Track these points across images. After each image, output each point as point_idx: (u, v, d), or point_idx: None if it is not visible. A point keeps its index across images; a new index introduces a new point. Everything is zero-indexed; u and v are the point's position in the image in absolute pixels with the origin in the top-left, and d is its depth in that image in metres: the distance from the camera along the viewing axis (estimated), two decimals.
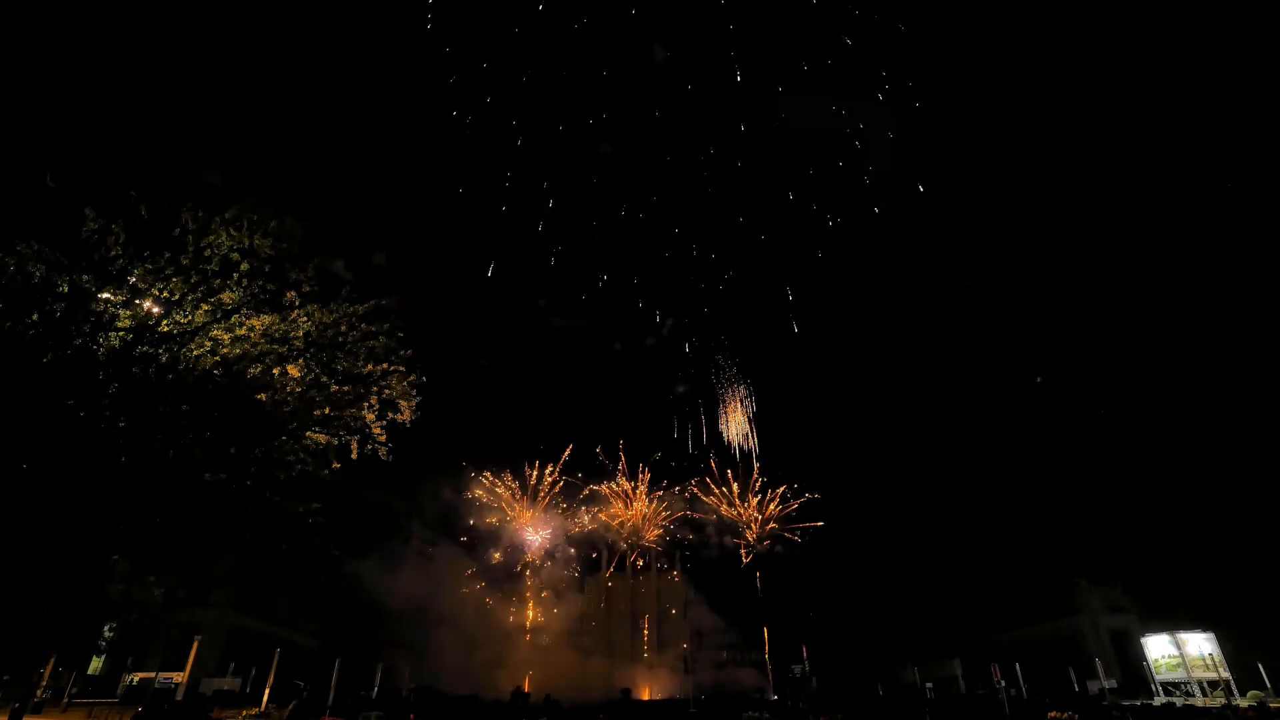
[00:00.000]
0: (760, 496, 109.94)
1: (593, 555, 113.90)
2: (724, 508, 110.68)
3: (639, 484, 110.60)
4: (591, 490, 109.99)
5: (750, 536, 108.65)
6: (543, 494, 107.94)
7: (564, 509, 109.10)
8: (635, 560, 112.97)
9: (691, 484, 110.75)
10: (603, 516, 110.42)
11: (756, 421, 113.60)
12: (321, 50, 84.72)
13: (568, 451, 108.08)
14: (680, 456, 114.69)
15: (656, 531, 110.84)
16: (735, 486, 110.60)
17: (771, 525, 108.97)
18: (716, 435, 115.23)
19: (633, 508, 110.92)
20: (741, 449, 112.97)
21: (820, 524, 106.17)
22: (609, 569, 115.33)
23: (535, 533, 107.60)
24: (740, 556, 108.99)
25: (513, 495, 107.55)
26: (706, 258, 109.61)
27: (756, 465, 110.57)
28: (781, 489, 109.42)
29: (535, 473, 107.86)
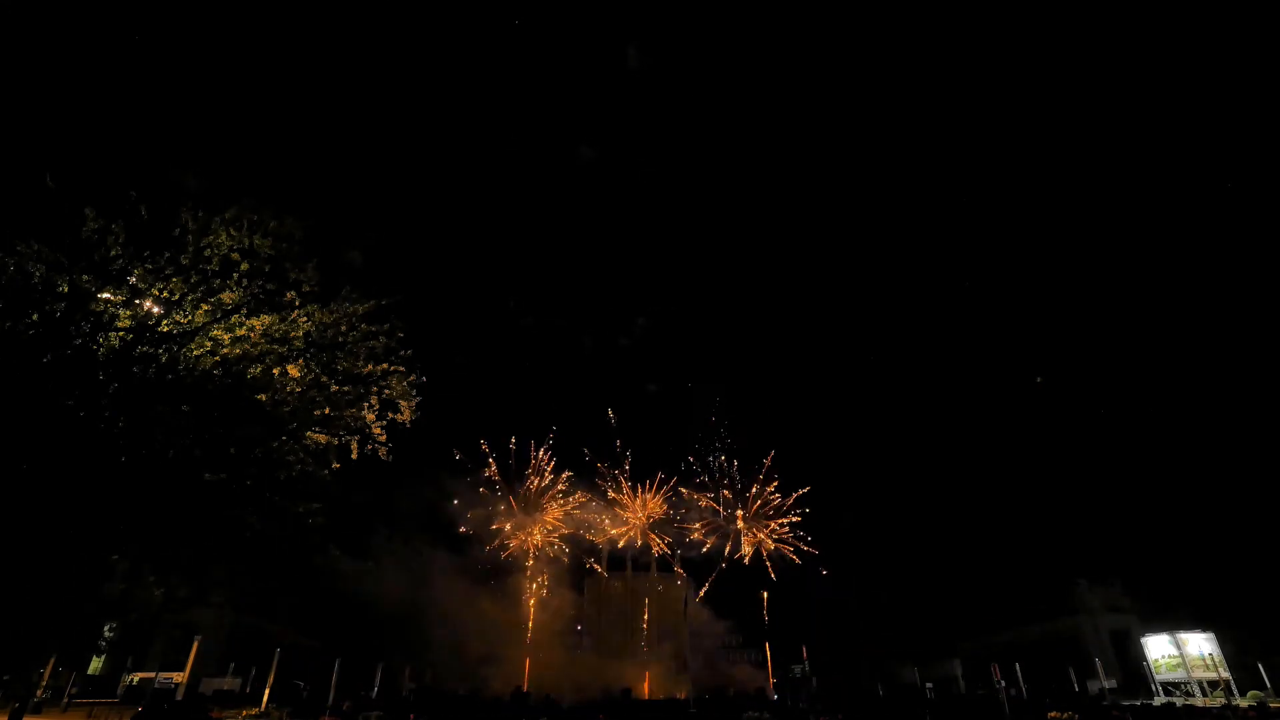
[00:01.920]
0: (759, 497, 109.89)
1: (592, 555, 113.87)
2: (720, 508, 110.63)
3: (635, 484, 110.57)
4: (592, 490, 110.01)
5: (747, 544, 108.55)
6: (540, 492, 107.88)
7: (563, 508, 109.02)
8: (634, 560, 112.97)
9: (697, 491, 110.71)
10: (604, 515, 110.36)
11: (755, 421, 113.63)
12: (299, 53, 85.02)
13: (550, 439, 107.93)
14: (678, 457, 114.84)
15: (655, 532, 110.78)
16: (727, 491, 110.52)
17: (770, 527, 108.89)
18: (715, 439, 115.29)
19: (632, 507, 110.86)
20: (739, 455, 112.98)
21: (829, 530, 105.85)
22: (608, 568, 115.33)
23: (534, 532, 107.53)
24: (739, 556, 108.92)
25: (511, 495, 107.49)
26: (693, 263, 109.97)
27: (734, 471, 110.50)
28: (775, 484, 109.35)
29: (533, 472, 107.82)
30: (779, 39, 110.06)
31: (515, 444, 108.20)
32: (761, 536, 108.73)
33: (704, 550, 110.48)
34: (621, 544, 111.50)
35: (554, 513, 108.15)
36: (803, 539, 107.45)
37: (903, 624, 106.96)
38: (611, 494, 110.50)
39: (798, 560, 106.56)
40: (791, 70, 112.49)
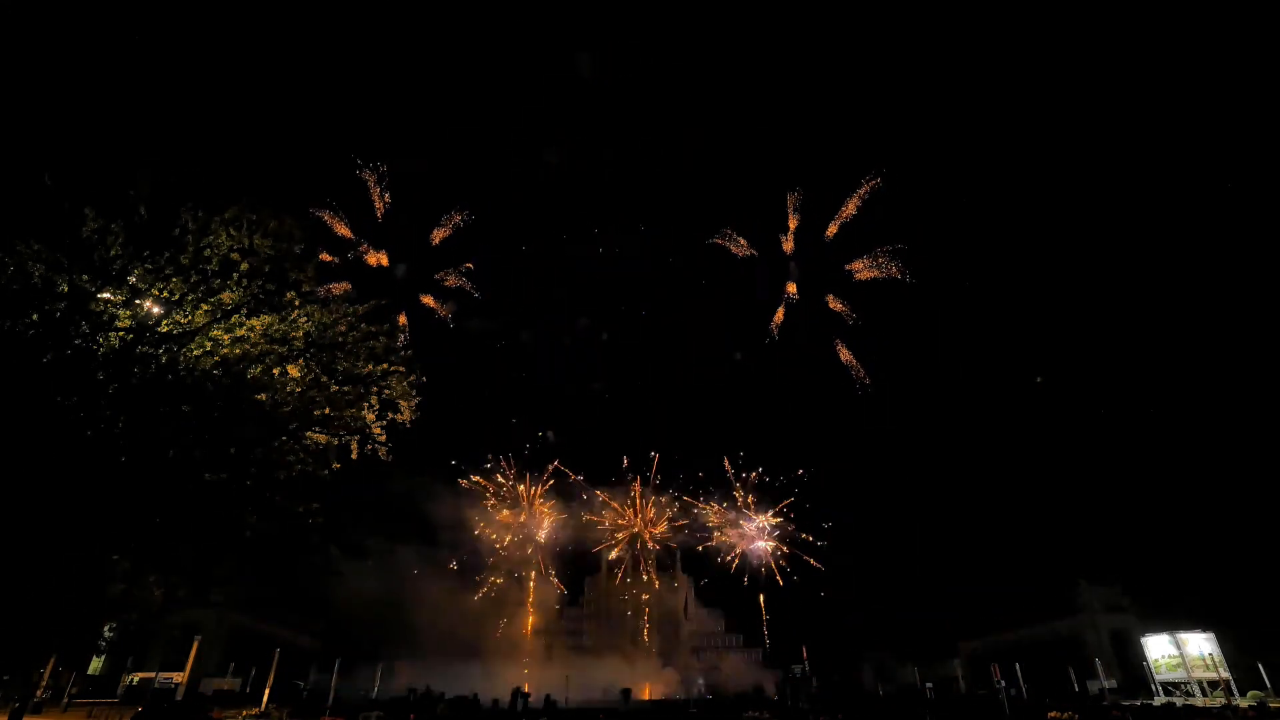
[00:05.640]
0: (758, 499, 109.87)
1: (593, 554, 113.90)
2: (718, 511, 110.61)
3: (641, 485, 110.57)
4: (594, 490, 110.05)
5: (746, 542, 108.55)
6: (542, 494, 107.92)
7: (566, 508, 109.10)
8: (636, 560, 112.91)
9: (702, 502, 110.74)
10: (605, 517, 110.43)
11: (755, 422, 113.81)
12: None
13: (526, 449, 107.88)
14: (682, 459, 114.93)
15: (659, 530, 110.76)
16: (738, 494, 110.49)
17: (771, 527, 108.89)
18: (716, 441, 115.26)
19: (635, 508, 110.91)
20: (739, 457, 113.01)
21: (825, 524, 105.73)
22: (609, 569, 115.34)
23: (536, 533, 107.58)
24: (740, 556, 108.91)
25: (513, 495, 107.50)
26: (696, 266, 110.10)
27: (755, 473, 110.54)
28: (769, 488, 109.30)
29: (536, 472, 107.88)
30: (771, 36, 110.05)
31: (520, 444, 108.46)
32: (764, 540, 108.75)
33: (703, 549, 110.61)
34: (625, 544, 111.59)
35: (560, 516, 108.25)
36: (803, 540, 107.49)
37: (903, 624, 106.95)
38: (619, 495, 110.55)
39: (799, 561, 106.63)
40: (787, 66, 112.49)
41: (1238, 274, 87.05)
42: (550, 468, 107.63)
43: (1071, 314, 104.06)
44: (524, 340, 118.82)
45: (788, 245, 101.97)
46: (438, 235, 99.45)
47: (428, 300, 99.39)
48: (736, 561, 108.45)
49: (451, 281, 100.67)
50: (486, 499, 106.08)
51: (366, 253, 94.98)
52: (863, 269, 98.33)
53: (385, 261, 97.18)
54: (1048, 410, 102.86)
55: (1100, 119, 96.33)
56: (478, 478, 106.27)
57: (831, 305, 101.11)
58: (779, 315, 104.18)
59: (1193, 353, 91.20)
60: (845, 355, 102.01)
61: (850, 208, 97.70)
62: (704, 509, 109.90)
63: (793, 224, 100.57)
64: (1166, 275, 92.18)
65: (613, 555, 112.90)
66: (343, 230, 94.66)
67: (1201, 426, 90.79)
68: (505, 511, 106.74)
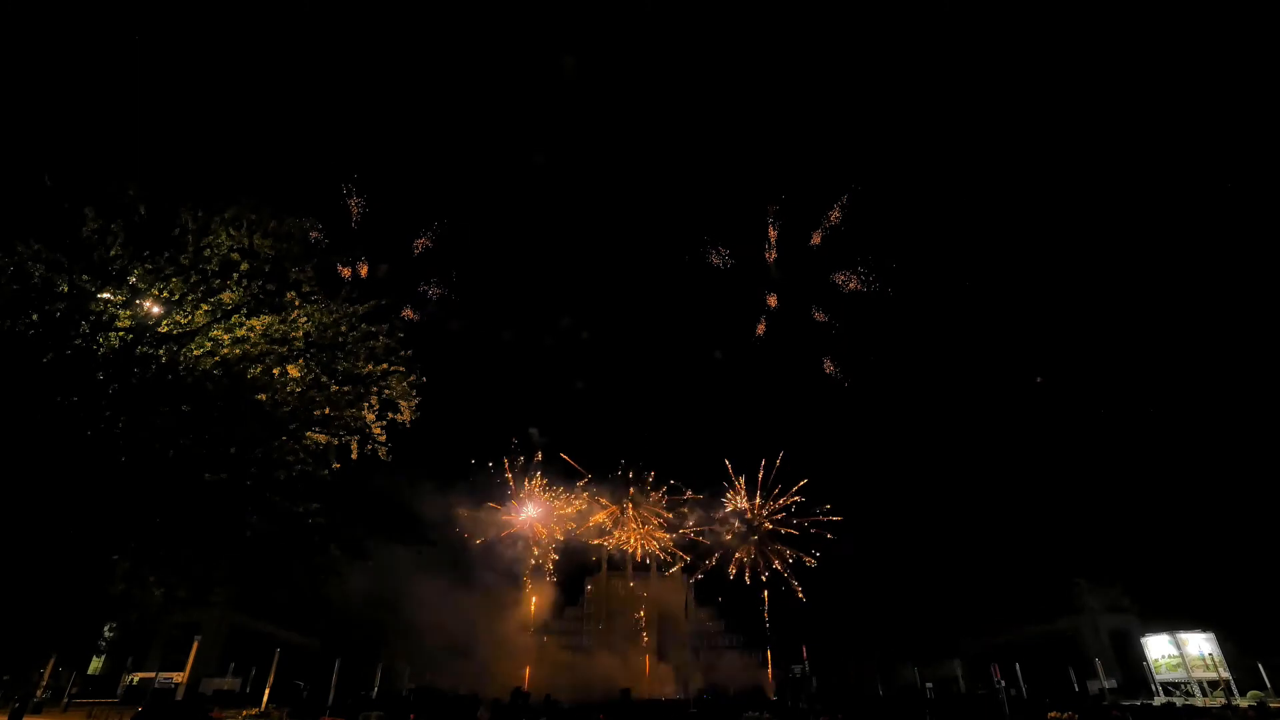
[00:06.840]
0: (761, 498, 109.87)
1: (594, 555, 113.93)
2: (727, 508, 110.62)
3: (642, 484, 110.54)
4: (591, 490, 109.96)
5: (745, 542, 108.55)
6: (541, 492, 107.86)
7: (566, 507, 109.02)
8: (635, 559, 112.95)
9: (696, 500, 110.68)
10: (604, 516, 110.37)
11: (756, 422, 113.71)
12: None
13: (520, 449, 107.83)
14: (684, 459, 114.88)
15: (659, 533, 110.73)
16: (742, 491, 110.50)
17: (769, 525, 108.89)
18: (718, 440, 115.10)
19: (631, 508, 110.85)
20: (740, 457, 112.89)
21: (828, 533, 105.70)
22: (608, 568, 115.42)
23: (536, 532, 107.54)
24: (740, 556, 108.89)
25: (510, 495, 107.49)
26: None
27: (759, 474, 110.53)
28: (777, 489, 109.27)
29: (537, 471, 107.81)
30: (766, 35, 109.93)
31: (520, 442, 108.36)
32: (763, 540, 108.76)
33: (700, 550, 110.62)
34: (625, 545, 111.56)
35: (560, 514, 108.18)
36: (803, 540, 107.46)
37: (903, 624, 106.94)
38: (620, 495, 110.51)
39: (797, 558, 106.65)
40: (784, 63, 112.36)
41: (1237, 274, 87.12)
42: (536, 464, 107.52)
43: (1071, 314, 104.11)
44: (506, 340, 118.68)
45: (770, 255, 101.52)
46: (419, 244, 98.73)
47: (408, 313, 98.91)
48: (736, 561, 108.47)
49: (435, 293, 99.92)
50: (484, 498, 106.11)
51: (346, 264, 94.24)
52: (847, 278, 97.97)
53: (365, 272, 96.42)
54: (1047, 410, 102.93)
55: (1099, 118, 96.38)
56: (474, 477, 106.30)
57: (817, 318, 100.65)
58: (760, 328, 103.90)
59: (1192, 353, 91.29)
60: (829, 367, 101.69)
61: (834, 216, 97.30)
62: (698, 499, 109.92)
63: (773, 235, 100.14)
64: (1166, 275, 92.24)
65: (610, 554, 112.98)
66: (317, 237, 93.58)
67: (1201, 427, 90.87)
68: (503, 511, 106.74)
